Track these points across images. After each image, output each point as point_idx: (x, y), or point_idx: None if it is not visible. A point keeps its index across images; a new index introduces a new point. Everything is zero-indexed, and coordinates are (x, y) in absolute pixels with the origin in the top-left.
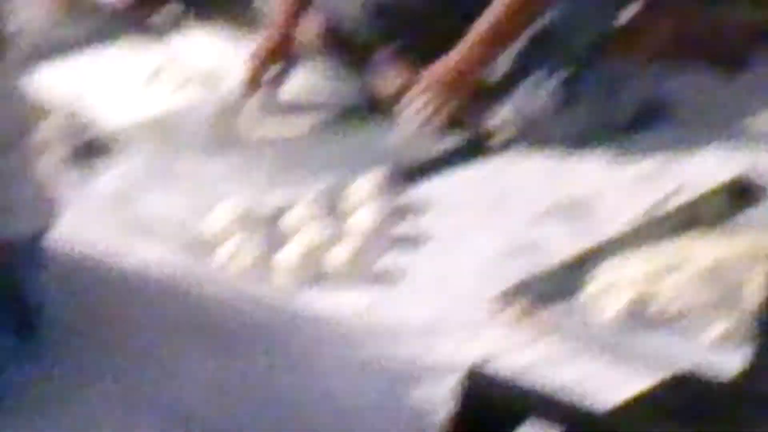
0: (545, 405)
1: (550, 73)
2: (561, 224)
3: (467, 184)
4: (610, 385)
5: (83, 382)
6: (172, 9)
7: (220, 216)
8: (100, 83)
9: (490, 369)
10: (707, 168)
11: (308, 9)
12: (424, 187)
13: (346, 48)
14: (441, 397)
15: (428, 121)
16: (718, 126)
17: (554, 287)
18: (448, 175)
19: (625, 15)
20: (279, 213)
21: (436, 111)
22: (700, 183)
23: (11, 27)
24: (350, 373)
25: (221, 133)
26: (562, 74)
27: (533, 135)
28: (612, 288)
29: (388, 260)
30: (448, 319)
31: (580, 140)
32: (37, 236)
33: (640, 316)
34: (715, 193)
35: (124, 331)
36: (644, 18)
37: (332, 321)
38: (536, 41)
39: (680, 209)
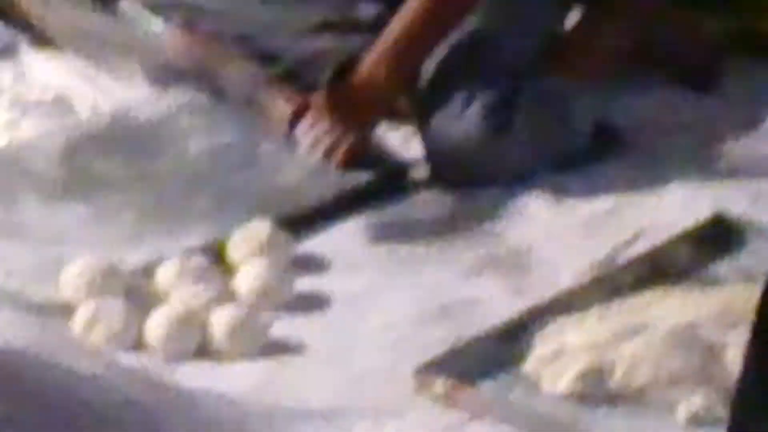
0: None
1: (479, 94)
2: (495, 280)
3: (376, 232)
4: None
5: None
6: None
7: (75, 274)
8: None
9: None
10: (671, 209)
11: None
12: (322, 237)
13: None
14: None
15: (326, 156)
16: (684, 157)
17: (489, 357)
18: (352, 222)
19: (572, 21)
20: (147, 270)
21: (335, 144)
22: (663, 227)
23: None
24: None
25: (74, 172)
26: (494, 95)
27: (459, 170)
28: (560, 357)
29: (282, 327)
30: (358, 399)
31: (517, 176)
32: None
33: (596, 391)
34: (681, 239)
35: None
36: (595, 25)
37: (217, 402)
38: (460, 55)
39: (639, 260)
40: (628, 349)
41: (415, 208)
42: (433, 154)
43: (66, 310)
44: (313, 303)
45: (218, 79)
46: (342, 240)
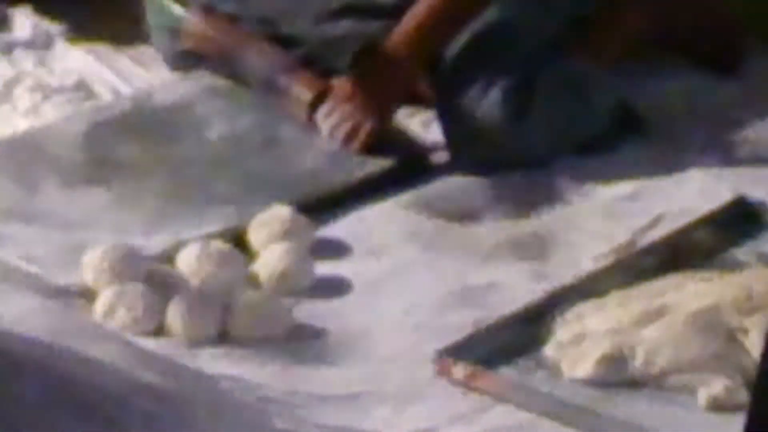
0: None
1: (500, 78)
2: (516, 264)
3: (398, 217)
4: None
5: None
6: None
7: (96, 259)
8: None
9: None
10: (692, 193)
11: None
12: (344, 221)
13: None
14: None
15: (347, 140)
16: (705, 140)
17: (509, 341)
18: (374, 205)
19: (592, 5)
20: (168, 255)
21: (356, 128)
22: (684, 212)
23: None
24: None
25: (95, 157)
26: (515, 79)
27: (479, 154)
28: (580, 341)
29: (303, 312)
30: (378, 383)
31: (537, 160)
32: None
33: (617, 375)
34: (701, 224)
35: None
36: (615, 8)
37: (241, 386)
38: (482, 39)
39: (660, 244)
40: (649, 333)
41: (436, 192)
42: (453, 139)
43: (87, 294)
44: (333, 288)
45: (238, 64)
46: (363, 225)
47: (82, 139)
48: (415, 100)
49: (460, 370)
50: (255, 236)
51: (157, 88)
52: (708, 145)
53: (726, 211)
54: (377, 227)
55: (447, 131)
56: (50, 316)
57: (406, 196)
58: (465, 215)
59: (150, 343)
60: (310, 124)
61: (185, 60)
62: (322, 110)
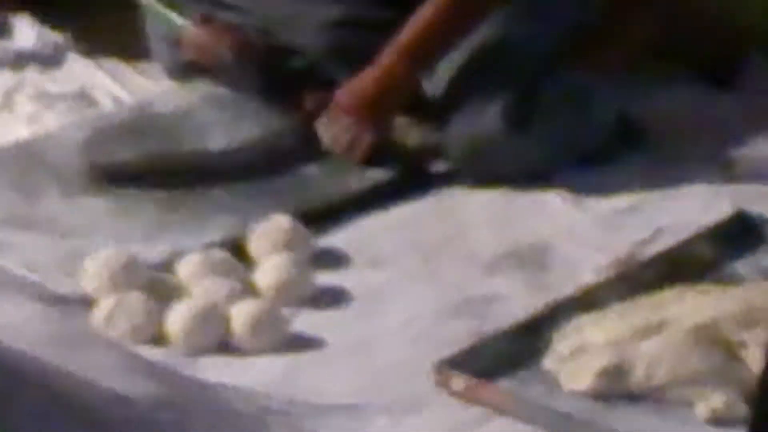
0: None
1: (500, 91)
2: (515, 276)
3: (397, 227)
4: None
5: None
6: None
7: (96, 267)
8: None
9: None
10: (692, 206)
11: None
12: (344, 231)
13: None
14: None
15: (346, 151)
16: (705, 153)
17: (509, 353)
18: (374, 216)
19: (591, 16)
20: (168, 264)
21: (355, 140)
22: (684, 225)
23: None
24: None
25: (94, 165)
26: (514, 91)
27: (479, 167)
28: (579, 354)
29: (302, 322)
30: (377, 394)
31: (537, 173)
32: None
33: (616, 388)
34: (701, 237)
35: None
36: (615, 21)
37: (240, 396)
38: (483, 52)
39: (660, 257)
40: (648, 347)
41: (436, 204)
42: (453, 151)
43: (87, 303)
44: (333, 298)
45: (238, 74)
46: (362, 235)
47: (82, 147)
48: (414, 112)
49: (459, 382)
50: (255, 246)
51: (158, 96)
52: (708, 158)
53: (726, 225)
54: (377, 238)
55: (446, 144)
56: (50, 324)
57: (406, 208)
58: (464, 227)
59: (149, 352)
60: (310, 134)
61: (185, 70)
62: (322, 121)
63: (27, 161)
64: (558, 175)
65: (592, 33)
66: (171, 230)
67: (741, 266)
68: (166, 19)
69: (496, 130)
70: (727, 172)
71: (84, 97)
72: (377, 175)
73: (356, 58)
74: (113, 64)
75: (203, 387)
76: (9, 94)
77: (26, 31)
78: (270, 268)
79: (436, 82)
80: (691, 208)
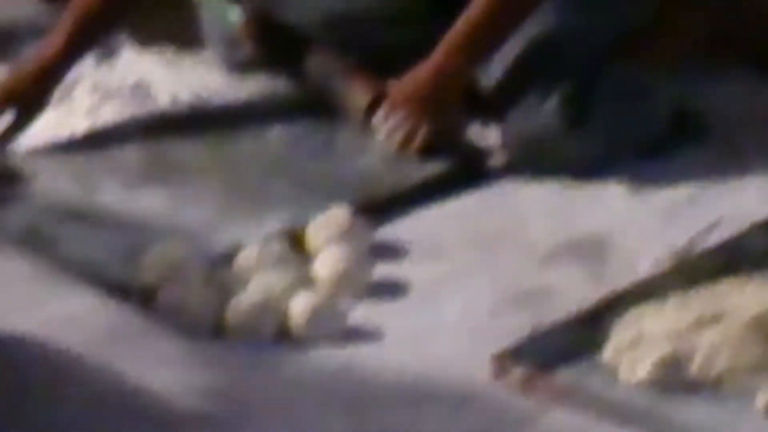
0: None
1: (558, 84)
2: (573, 267)
3: (455, 219)
4: None
5: None
6: None
7: (156, 259)
8: None
9: None
10: (750, 197)
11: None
12: (401, 223)
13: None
14: None
15: (403, 144)
16: (763, 144)
17: (566, 344)
18: (431, 209)
19: (646, 9)
20: (227, 256)
21: (412, 132)
22: (742, 216)
23: None
24: None
25: (154, 158)
26: (572, 85)
27: (537, 159)
28: (638, 345)
29: (360, 314)
30: (435, 385)
31: (595, 165)
32: None
33: (674, 379)
34: (759, 228)
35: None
36: (670, 12)
37: (299, 388)
38: (540, 45)
39: (718, 248)
40: (707, 337)
41: (493, 196)
42: (510, 144)
43: (147, 295)
44: (390, 290)
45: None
46: (420, 227)
47: (141, 139)
48: (470, 105)
49: (517, 373)
50: (313, 238)
51: (216, 89)
52: (766, 149)
53: None
54: (435, 230)
55: (504, 138)
56: (110, 316)
57: (464, 200)
58: (522, 219)
59: (209, 344)
60: (367, 127)
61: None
62: (379, 114)
63: (86, 154)
64: (616, 167)
65: (647, 25)
66: (230, 222)
67: None
68: (222, 16)
69: (554, 124)
70: None
71: (141, 90)
72: (434, 167)
73: (412, 51)
74: (170, 56)
75: (261, 379)
76: (67, 88)
77: None
78: (328, 260)
79: (491, 75)
80: (749, 199)
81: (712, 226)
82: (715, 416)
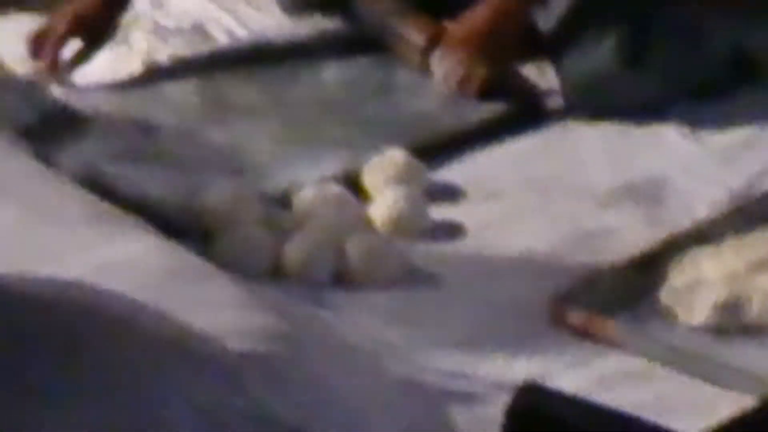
0: (616, 429)
1: (614, 25)
2: (630, 210)
3: (512, 162)
4: (697, 406)
5: None
6: None
7: (213, 201)
8: None
9: (549, 386)
10: None
11: None
12: (458, 165)
13: None
14: (489, 419)
15: (461, 85)
16: None
17: (624, 288)
18: (488, 151)
19: None
20: (284, 198)
21: (470, 74)
22: None
23: None
24: (381, 394)
25: (210, 99)
26: (628, 25)
27: (594, 101)
28: (696, 288)
29: (417, 256)
30: (492, 329)
31: (652, 107)
32: None
33: (732, 322)
34: None
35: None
36: None
37: (355, 330)
38: None
39: None
40: (764, 281)
41: (550, 138)
42: (567, 86)
43: (205, 237)
44: (447, 232)
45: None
46: (477, 169)
47: (197, 80)
48: (528, 46)
49: (574, 317)
50: (370, 179)
51: (273, 30)
52: None
53: None
54: (492, 172)
55: (561, 78)
56: (167, 258)
57: (521, 142)
58: (579, 161)
59: (266, 285)
60: (424, 69)
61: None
62: (436, 55)
63: (144, 94)
64: (673, 109)
65: None
66: (286, 164)
67: None
68: None
69: (611, 65)
70: None
71: (198, 31)
72: (491, 109)
73: None
74: None
75: (318, 320)
76: (124, 29)
77: None
78: (385, 202)
79: (549, 17)
80: None
81: None
82: None
